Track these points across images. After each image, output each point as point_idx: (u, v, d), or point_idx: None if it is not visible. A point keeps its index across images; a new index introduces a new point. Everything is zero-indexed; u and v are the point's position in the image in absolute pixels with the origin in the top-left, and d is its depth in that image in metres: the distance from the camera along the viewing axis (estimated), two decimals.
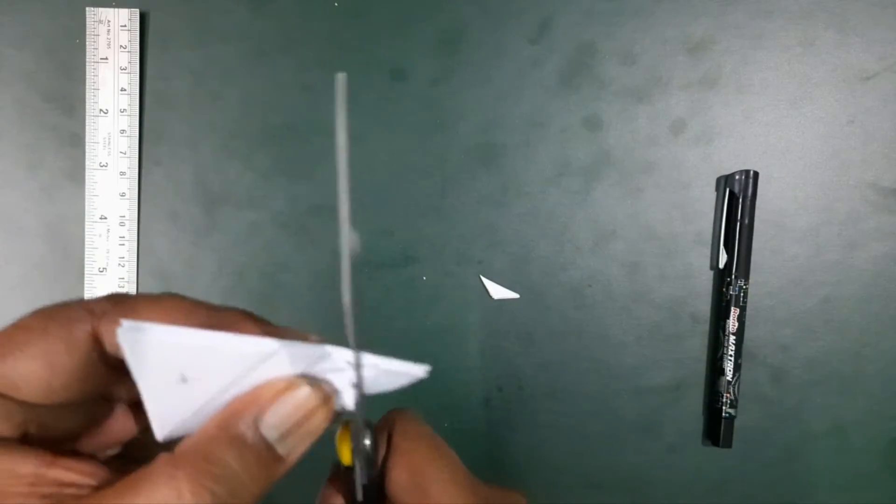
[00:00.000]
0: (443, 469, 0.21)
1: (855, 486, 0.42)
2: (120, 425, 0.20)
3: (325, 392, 0.18)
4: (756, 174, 0.41)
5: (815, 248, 0.42)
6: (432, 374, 0.19)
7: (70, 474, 0.17)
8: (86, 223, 0.42)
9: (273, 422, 0.17)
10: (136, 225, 0.42)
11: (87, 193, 0.42)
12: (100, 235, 0.42)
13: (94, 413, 0.20)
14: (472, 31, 0.42)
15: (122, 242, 0.42)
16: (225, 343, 0.16)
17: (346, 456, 0.20)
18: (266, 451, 0.17)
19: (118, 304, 0.18)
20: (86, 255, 0.42)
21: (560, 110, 0.42)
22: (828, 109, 0.42)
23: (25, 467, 0.16)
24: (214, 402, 0.17)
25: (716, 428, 0.41)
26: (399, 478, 0.20)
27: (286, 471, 0.17)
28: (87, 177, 0.42)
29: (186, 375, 0.16)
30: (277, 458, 0.17)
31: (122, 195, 0.42)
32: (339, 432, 0.21)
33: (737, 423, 0.41)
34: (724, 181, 0.41)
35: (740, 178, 0.41)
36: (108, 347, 0.17)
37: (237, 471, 0.16)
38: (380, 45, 0.42)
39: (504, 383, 0.42)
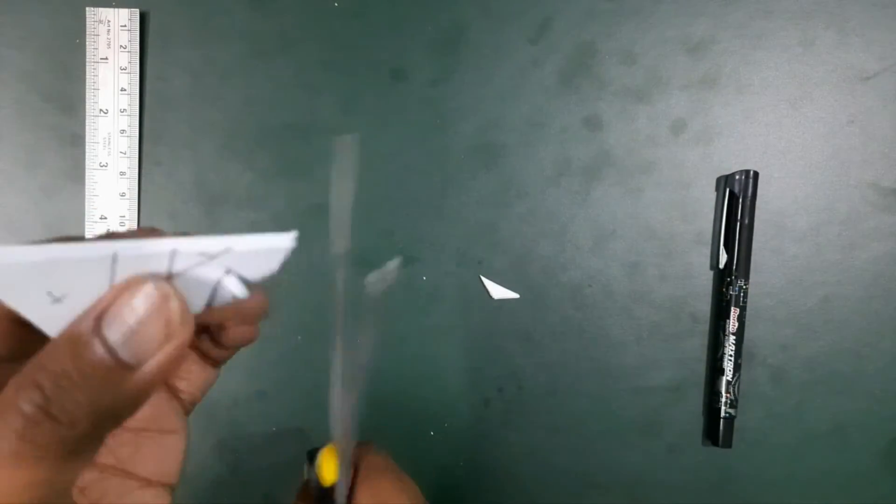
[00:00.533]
0: (404, 498, 0.22)
1: (855, 485, 0.42)
2: None
3: (165, 290, 0.16)
4: (756, 174, 0.41)
5: (815, 248, 0.42)
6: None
7: None
8: (86, 223, 0.42)
9: (112, 322, 0.15)
10: (136, 225, 0.42)
11: (87, 193, 0.42)
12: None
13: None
14: (473, 31, 0.42)
15: None
16: (68, 253, 0.15)
17: (328, 475, 0.21)
18: (103, 354, 0.15)
19: None
20: None
21: (560, 110, 0.42)
22: (828, 109, 0.42)
23: None
24: None
25: (716, 428, 0.41)
26: None
27: (145, 385, 0.16)
28: (87, 177, 0.42)
29: (55, 294, 0.15)
30: (123, 365, 0.15)
31: (123, 195, 0.42)
32: (323, 451, 0.21)
33: (737, 423, 0.41)
34: (725, 181, 0.41)
35: (740, 178, 0.41)
36: None
37: (67, 367, 0.15)
38: (380, 44, 0.42)
39: (504, 383, 0.42)
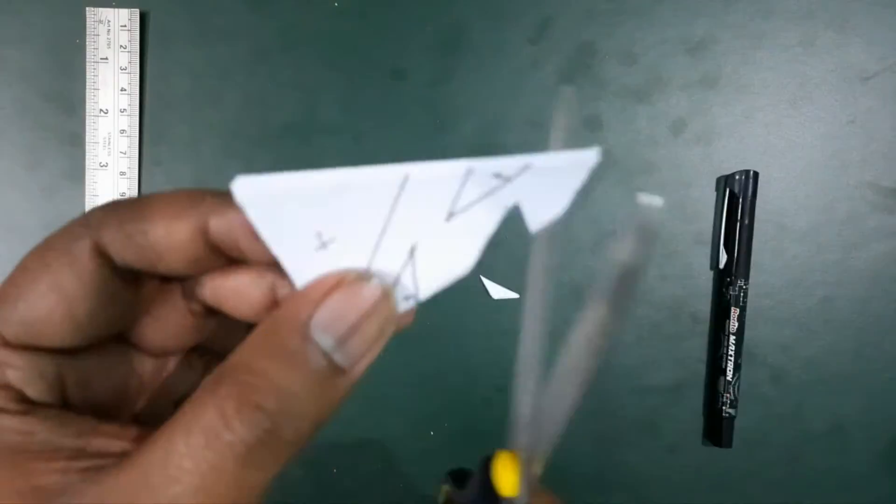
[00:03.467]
0: None
1: (855, 486, 0.42)
2: (171, 384, 0.18)
3: (383, 288, 0.15)
4: (756, 174, 0.41)
5: (816, 248, 0.42)
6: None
7: (114, 442, 0.14)
8: None
9: (324, 325, 0.14)
10: None
11: (87, 194, 0.41)
12: None
13: (139, 371, 0.18)
14: (472, 31, 0.42)
15: None
16: (355, 178, 0.14)
17: (508, 486, 0.18)
18: (321, 361, 0.14)
19: (114, 210, 0.15)
20: None
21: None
22: (828, 109, 0.42)
23: (65, 439, 0.14)
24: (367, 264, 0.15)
25: (716, 428, 0.41)
26: None
27: (351, 386, 0.15)
28: (87, 177, 0.41)
29: (323, 237, 0.14)
30: (337, 370, 0.14)
31: (123, 195, 0.42)
32: (499, 458, 0.18)
33: (737, 423, 0.41)
34: (725, 181, 0.41)
35: (740, 178, 0.41)
36: (116, 259, 0.15)
37: (287, 384, 0.14)
38: (380, 45, 0.42)
39: (503, 383, 0.42)
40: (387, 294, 0.15)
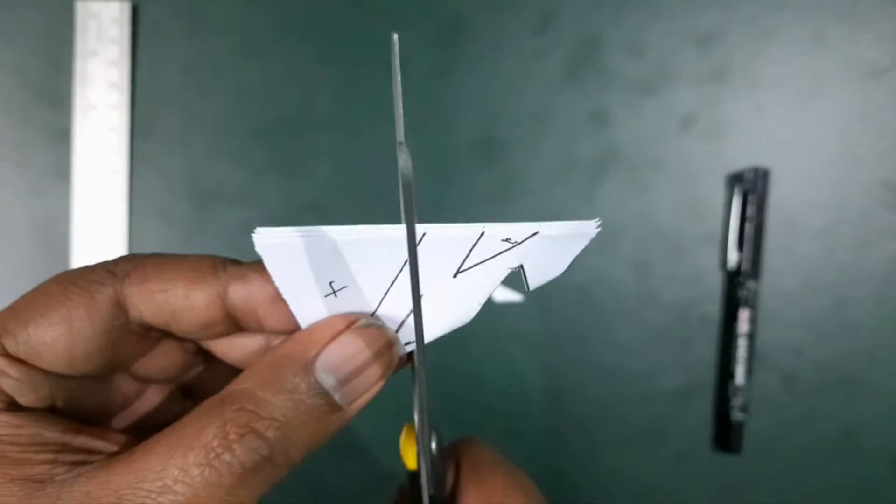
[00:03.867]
0: (522, 499, 0.20)
1: (867, 492, 0.42)
2: (151, 406, 0.20)
3: (389, 336, 0.16)
4: (767, 172, 0.40)
5: (828, 248, 0.41)
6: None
7: (98, 441, 0.16)
8: (74, 221, 0.41)
9: (328, 366, 0.15)
10: (125, 222, 0.41)
11: (75, 190, 0.41)
12: (88, 233, 0.41)
13: (123, 391, 0.19)
14: (473, 21, 0.42)
15: (111, 240, 0.41)
16: (370, 235, 0.15)
17: (411, 459, 0.19)
18: (320, 399, 0.15)
19: (141, 265, 0.17)
20: (74, 255, 0.41)
21: (565, 104, 0.42)
22: (839, 105, 0.41)
23: (51, 434, 0.16)
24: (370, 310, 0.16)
25: (726, 433, 0.41)
26: None
27: (345, 422, 0.16)
28: (75, 174, 0.41)
29: (336, 284, 0.16)
30: (334, 408, 0.16)
31: (112, 192, 0.41)
32: (403, 433, 0.20)
33: (747, 428, 0.41)
34: (735, 178, 0.41)
35: (751, 176, 0.40)
36: (132, 312, 0.16)
37: (288, 416, 0.15)
38: (377, 37, 0.42)
39: (508, 388, 0.42)
40: (391, 343, 0.16)
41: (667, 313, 0.42)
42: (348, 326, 0.16)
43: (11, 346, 0.16)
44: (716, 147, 0.41)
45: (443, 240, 0.16)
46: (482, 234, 0.16)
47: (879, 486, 0.42)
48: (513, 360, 0.42)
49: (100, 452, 0.16)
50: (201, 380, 0.20)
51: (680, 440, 0.42)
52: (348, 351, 0.16)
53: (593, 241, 0.17)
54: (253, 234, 0.15)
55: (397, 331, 0.17)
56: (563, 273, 0.17)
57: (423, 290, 0.16)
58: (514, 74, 0.42)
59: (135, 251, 0.41)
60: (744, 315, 0.40)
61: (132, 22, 0.41)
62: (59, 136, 0.41)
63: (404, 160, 0.14)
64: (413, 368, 0.17)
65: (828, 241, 0.41)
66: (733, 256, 0.41)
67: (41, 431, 0.15)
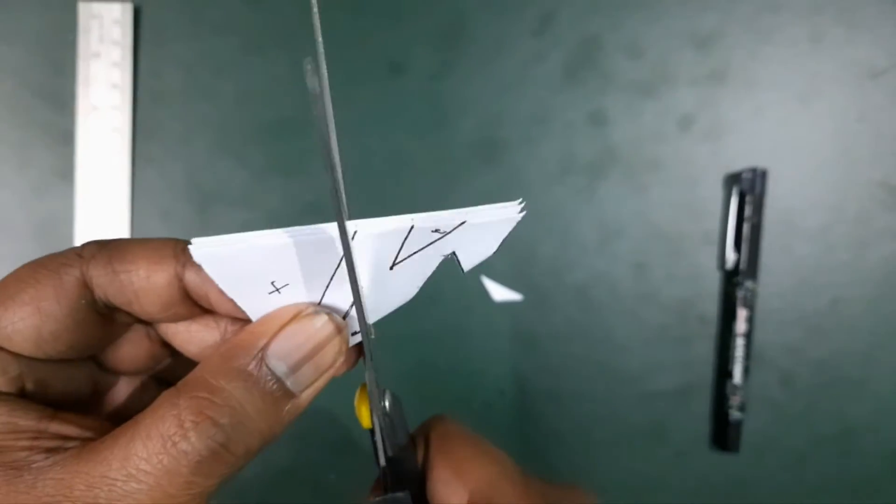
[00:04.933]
0: (490, 465, 0.20)
1: (864, 490, 0.42)
2: (123, 397, 0.20)
3: (336, 322, 0.17)
4: (765, 172, 0.41)
5: (825, 248, 0.42)
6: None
7: (72, 427, 0.16)
8: (76, 222, 0.41)
9: (280, 353, 0.16)
10: (127, 224, 0.41)
11: (77, 192, 0.41)
12: (91, 235, 0.41)
13: (95, 380, 0.19)
14: (473, 23, 0.42)
15: None
16: (295, 238, 0.15)
17: (365, 417, 0.20)
18: (273, 385, 0.16)
19: (105, 247, 0.17)
20: None
21: (564, 105, 0.42)
22: (837, 106, 0.41)
23: (26, 421, 0.16)
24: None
25: (723, 432, 0.41)
26: (441, 476, 0.20)
27: (300, 410, 0.16)
28: (78, 175, 0.41)
29: (277, 283, 0.16)
30: (287, 394, 0.16)
31: (114, 193, 0.41)
32: (357, 393, 0.20)
33: (744, 427, 0.41)
34: (733, 179, 0.41)
35: (749, 176, 0.40)
36: (98, 292, 0.17)
37: (242, 403, 0.15)
38: (378, 37, 0.42)
39: (506, 387, 0.42)
40: (339, 328, 0.17)
41: (665, 313, 0.42)
42: (296, 316, 0.16)
43: None
44: (714, 148, 0.41)
45: (374, 236, 0.16)
46: (412, 227, 0.16)
47: (876, 484, 0.42)
48: (511, 360, 0.42)
49: (74, 439, 0.16)
50: (171, 372, 0.21)
51: (678, 439, 0.42)
52: (298, 338, 0.16)
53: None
54: (189, 245, 0.15)
55: (344, 317, 0.18)
56: (494, 253, 0.17)
57: (361, 282, 0.17)
58: (513, 75, 0.42)
59: None
60: (741, 315, 0.40)
61: (134, 24, 0.41)
62: (62, 138, 0.41)
63: (312, 79, 0.13)
64: (363, 357, 0.18)
65: (825, 242, 0.42)
66: (731, 256, 0.41)
67: (16, 419, 0.16)
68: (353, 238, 0.16)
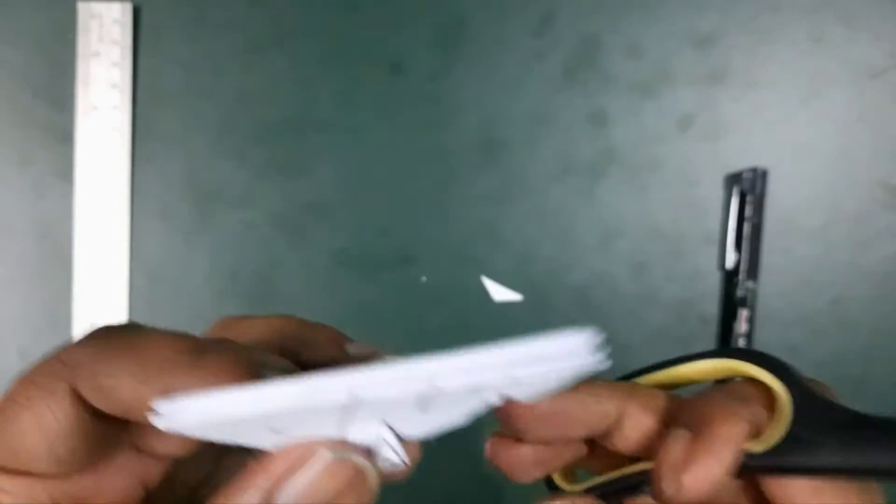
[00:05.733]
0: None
1: None
2: (182, 474, 0.19)
3: (356, 463, 0.14)
4: (765, 172, 0.41)
5: (825, 248, 0.42)
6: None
7: None
8: (76, 221, 0.41)
9: (292, 498, 0.14)
10: (127, 223, 0.42)
11: (77, 191, 0.41)
12: (90, 234, 0.41)
13: (140, 471, 0.18)
14: (473, 23, 0.42)
15: (112, 241, 0.41)
16: (302, 400, 0.13)
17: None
18: None
19: (91, 356, 0.16)
20: (76, 254, 0.41)
21: (564, 105, 0.42)
22: (837, 106, 0.41)
23: None
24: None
25: None
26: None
27: None
28: (77, 174, 0.41)
29: (276, 429, 0.14)
30: None
31: (114, 193, 0.41)
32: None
33: None
34: (733, 179, 0.41)
35: (749, 176, 0.40)
36: (92, 401, 0.16)
37: None
38: (378, 37, 0.42)
39: None
40: (361, 471, 0.15)
41: (665, 313, 0.42)
42: (305, 456, 0.14)
43: (2, 459, 0.16)
44: (714, 148, 0.42)
45: (385, 403, 0.13)
46: (436, 387, 0.13)
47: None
48: None
49: None
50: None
51: None
52: (305, 484, 0.14)
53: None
54: (153, 416, 0.14)
55: (372, 454, 0.15)
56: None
57: (385, 419, 0.15)
58: (513, 76, 0.42)
59: (136, 251, 0.42)
60: (742, 314, 0.40)
61: (134, 23, 0.41)
62: (62, 137, 0.41)
63: None
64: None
65: (825, 241, 0.42)
66: (731, 256, 0.41)
67: None
68: (354, 408, 0.14)
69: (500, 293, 0.42)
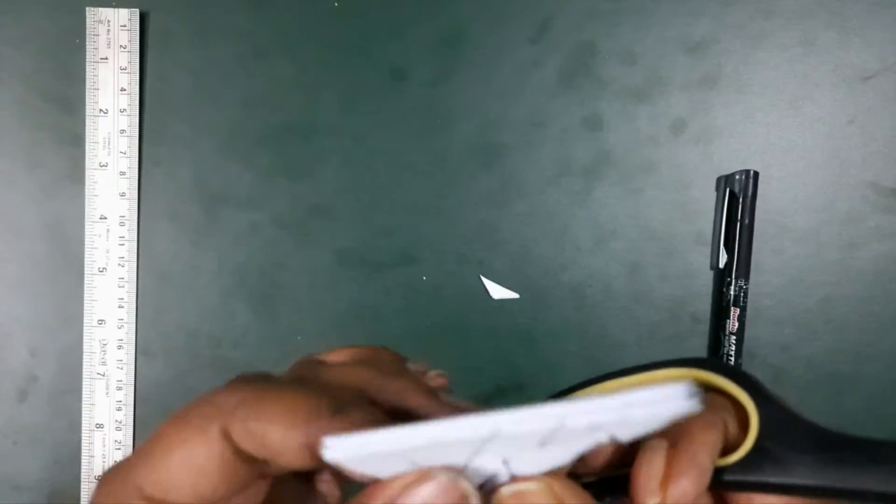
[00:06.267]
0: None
1: None
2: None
3: (465, 488, 0.15)
4: (756, 174, 0.41)
5: (816, 248, 0.42)
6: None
7: None
8: (86, 223, 0.42)
9: None
10: (135, 225, 0.42)
11: (87, 193, 0.41)
12: (100, 235, 0.41)
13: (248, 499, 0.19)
14: (472, 30, 0.42)
15: (121, 242, 0.42)
16: (446, 435, 0.14)
17: None
18: None
19: (242, 402, 0.17)
20: (86, 256, 0.42)
21: (560, 110, 0.42)
22: (828, 109, 0.41)
23: None
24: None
25: None
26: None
27: None
28: (87, 177, 0.42)
29: (415, 461, 0.15)
30: None
31: (122, 195, 0.42)
32: None
33: None
34: (725, 181, 0.41)
35: (740, 178, 0.41)
36: (240, 444, 0.17)
37: None
38: (380, 44, 0.42)
39: (504, 384, 0.42)
40: (467, 496, 0.16)
41: (658, 312, 0.42)
42: (420, 479, 0.15)
43: (147, 489, 0.17)
44: (706, 151, 0.42)
45: (516, 438, 0.15)
46: (560, 426, 0.14)
47: None
48: (510, 357, 0.42)
49: None
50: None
51: None
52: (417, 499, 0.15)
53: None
54: (323, 450, 0.15)
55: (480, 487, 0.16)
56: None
57: (510, 462, 0.16)
58: (511, 81, 0.42)
59: (145, 252, 0.42)
60: (733, 313, 0.41)
61: (141, 29, 0.41)
62: (72, 140, 0.41)
63: None
64: None
65: (816, 242, 0.42)
66: (723, 256, 0.41)
67: None
68: (491, 439, 0.15)
69: (498, 292, 0.42)
